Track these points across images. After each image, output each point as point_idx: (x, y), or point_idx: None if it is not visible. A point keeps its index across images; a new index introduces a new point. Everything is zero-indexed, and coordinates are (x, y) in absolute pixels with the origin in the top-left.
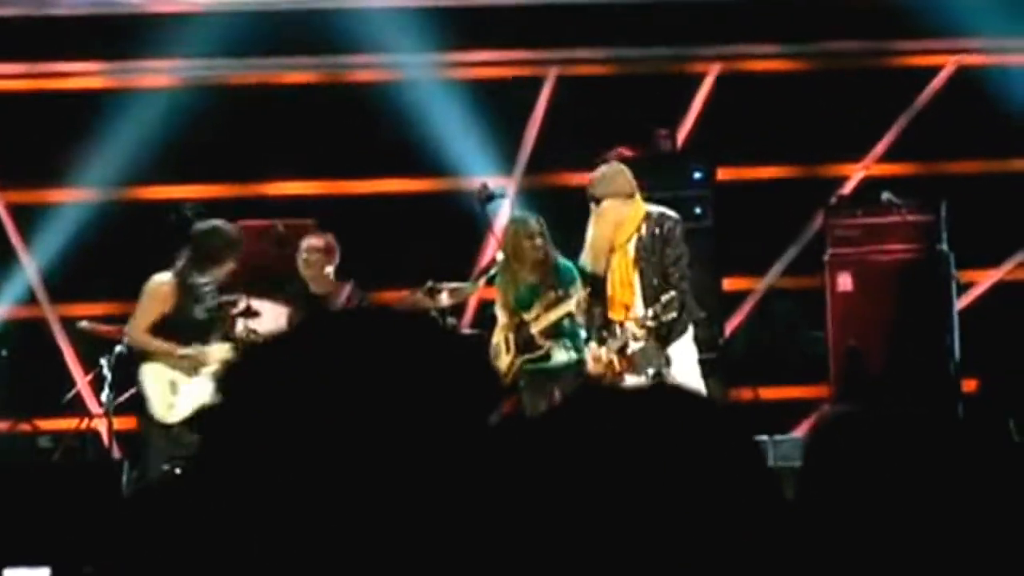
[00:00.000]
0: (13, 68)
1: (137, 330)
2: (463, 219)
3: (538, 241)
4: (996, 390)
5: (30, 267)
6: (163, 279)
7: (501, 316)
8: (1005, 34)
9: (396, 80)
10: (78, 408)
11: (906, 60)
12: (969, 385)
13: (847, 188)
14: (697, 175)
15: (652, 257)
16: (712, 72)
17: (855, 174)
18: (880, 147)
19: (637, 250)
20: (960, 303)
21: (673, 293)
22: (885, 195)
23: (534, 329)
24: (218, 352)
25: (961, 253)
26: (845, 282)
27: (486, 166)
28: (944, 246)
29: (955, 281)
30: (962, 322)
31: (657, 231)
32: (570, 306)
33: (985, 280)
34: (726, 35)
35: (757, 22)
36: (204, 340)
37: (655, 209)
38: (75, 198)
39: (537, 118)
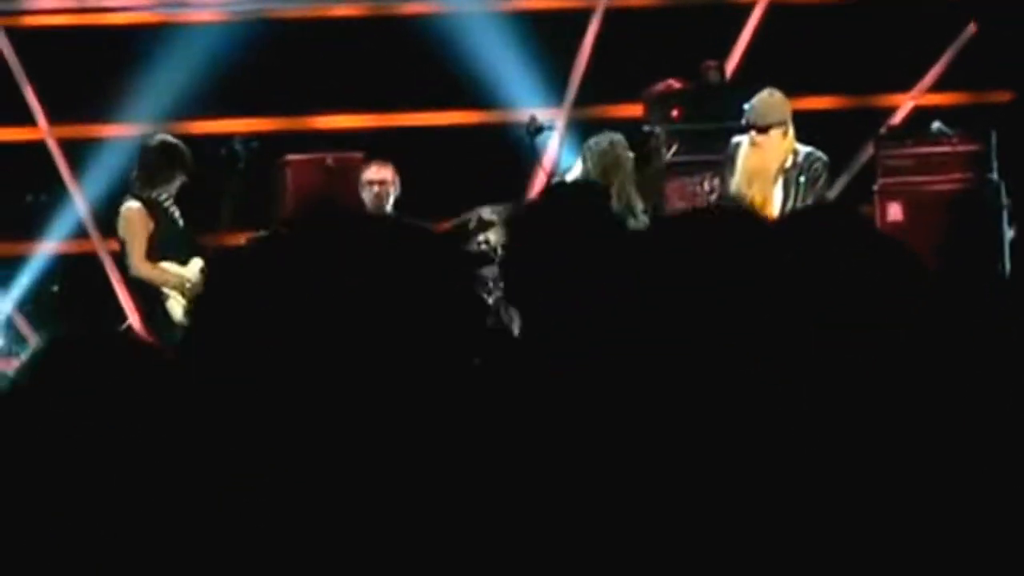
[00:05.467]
0: (62, 3)
1: (140, 263)
2: (512, 151)
3: (633, 156)
4: None
5: (81, 202)
6: (131, 205)
7: None
8: None
9: (445, 12)
10: None
11: None
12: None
13: (897, 118)
14: (746, 107)
15: (796, 192)
16: (761, 2)
17: (905, 104)
18: (930, 77)
19: (786, 182)
20: (1010, 232)
21: None
22: (935, 125)
23: None
24: (199, 272)
25: (1012, 182)
26: (895, 212)
27: (535, 98)
28: (995, 175)
29: (1006, 210)
30: (1013, 251)
31: (806, 169)
32: None
33: None
34: None
35: None
36: (186, 255)
37: (805, 148)
38: (125, 133)
39: (586, 50)
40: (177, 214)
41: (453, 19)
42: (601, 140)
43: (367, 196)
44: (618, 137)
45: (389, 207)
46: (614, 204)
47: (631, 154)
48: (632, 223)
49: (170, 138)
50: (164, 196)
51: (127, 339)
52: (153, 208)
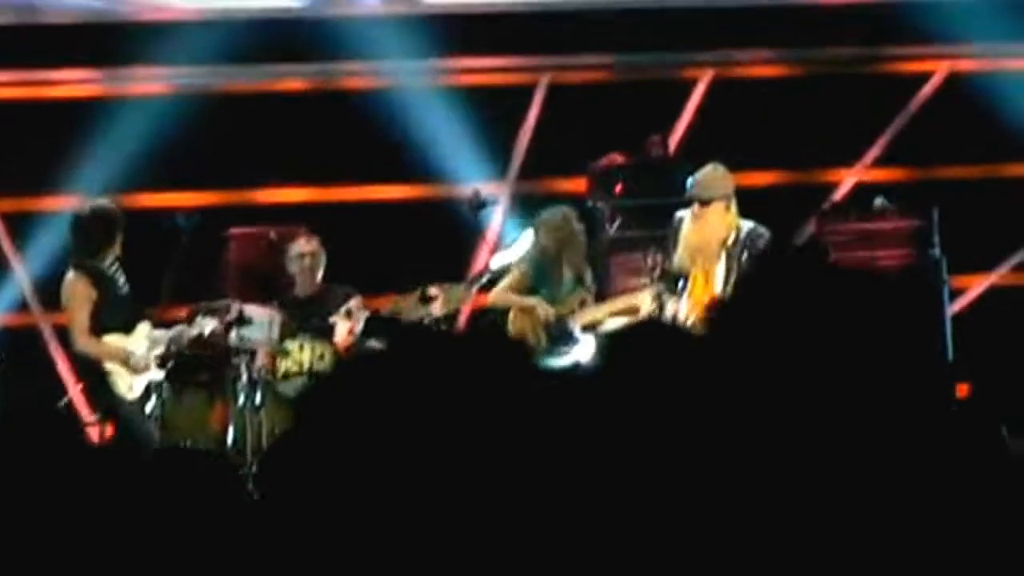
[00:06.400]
0: (4, 76)
1: (83, 339)
2: (455, 226)
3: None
4: (988, 395)
5: (22, 275)
6: (71, 277)
7: (538, 309)
8: (996, 40)
9: (388, 87)
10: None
11: (898, 65)
12: (961, 390)
13: (840, 194)
14: (689, 181)
15: (739, 268)
16: (704, 78)
17: (847, 180)
18: (872, 153)
19: (728, 258)
20: (952, 308)
21: None
22: (878, 200)
23: (582, 321)
24: (143, 338)
25: (953, 258)
26: None
27: (478, 173)
28: (936, 251)
29: (947, 286)
30: (954, 327)
31: (749, 244)
32: (643, 297)
33: (977, 285)
34: (718, 41)
35: (749, 28)
36: (131, 322)
37: (748, 223)
38: (67, 206)
39: (529, 124)
40: (122, 280)
41: (396, 94)
42: (555, 214)
43: (297, 268)
44: (569, 210)
45: (318, 278)
46: (566, 275)
47: (583, 226)
48: (582, 293)
49: (101, 202)
50: (108, 262)
51: (63, 416)
52: (96, 276)
